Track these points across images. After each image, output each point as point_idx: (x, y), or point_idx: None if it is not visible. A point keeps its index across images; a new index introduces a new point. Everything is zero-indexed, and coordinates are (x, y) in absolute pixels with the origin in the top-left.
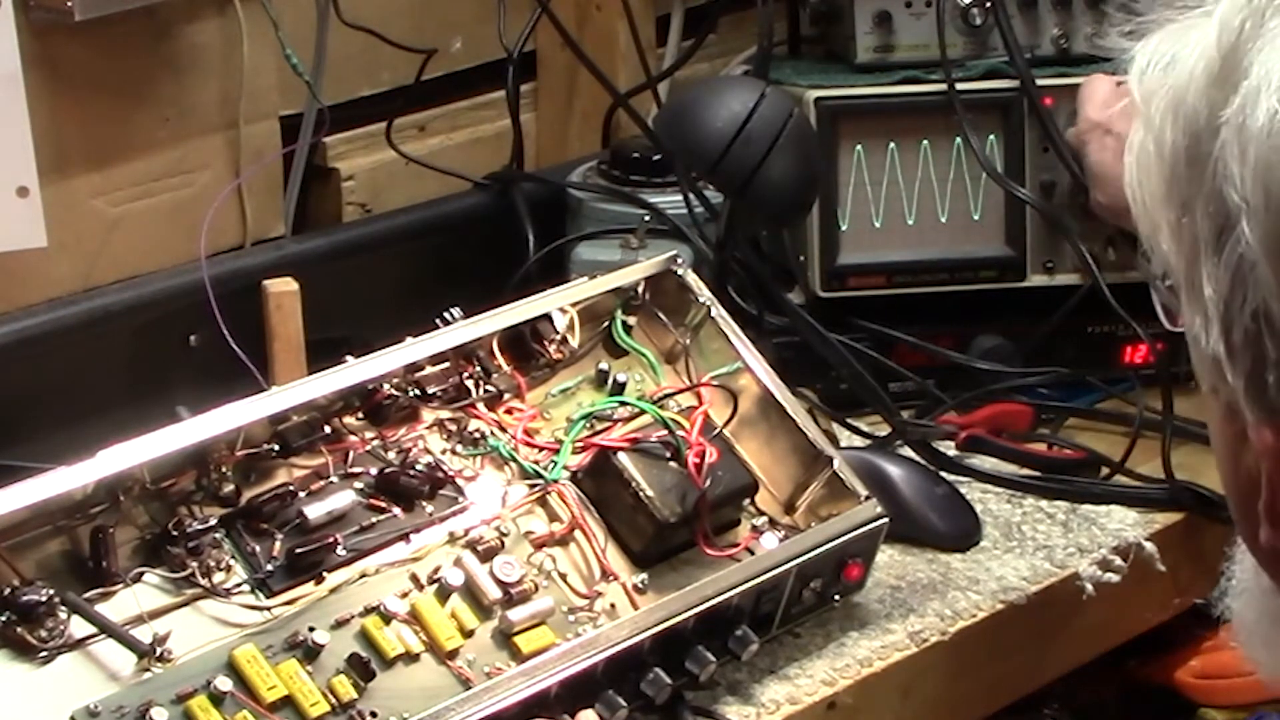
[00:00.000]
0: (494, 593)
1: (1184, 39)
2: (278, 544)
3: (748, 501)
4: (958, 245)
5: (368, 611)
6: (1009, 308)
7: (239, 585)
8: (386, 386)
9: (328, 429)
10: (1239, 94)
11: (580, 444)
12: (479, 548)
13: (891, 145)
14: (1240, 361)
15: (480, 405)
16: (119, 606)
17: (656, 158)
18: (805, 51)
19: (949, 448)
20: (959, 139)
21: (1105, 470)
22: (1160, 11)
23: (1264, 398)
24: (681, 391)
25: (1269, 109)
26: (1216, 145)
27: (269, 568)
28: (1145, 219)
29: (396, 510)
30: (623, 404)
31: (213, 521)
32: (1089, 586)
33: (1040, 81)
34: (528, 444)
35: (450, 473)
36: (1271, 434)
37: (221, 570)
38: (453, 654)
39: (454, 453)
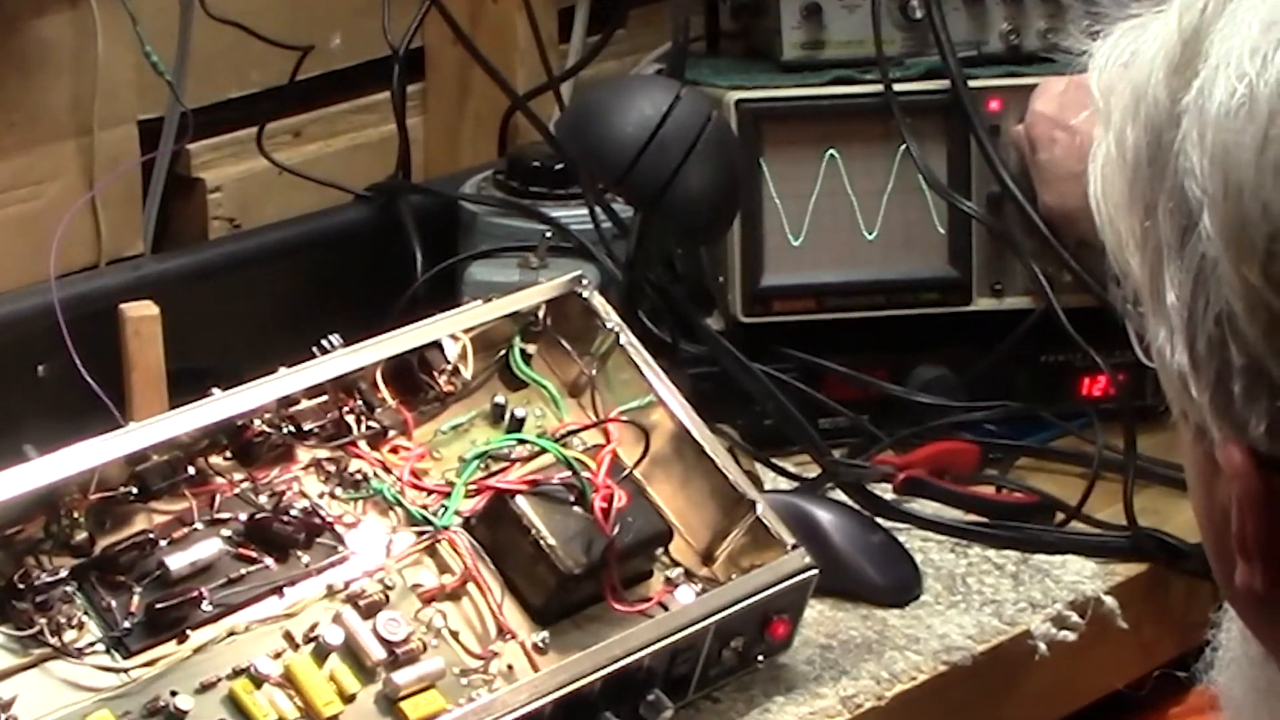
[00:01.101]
0: (378, 653)
1: (1145, 32)
2: (136, 598)
3: (661, 551)
4: (895, 265)
5: (236, 674)
6: (952, 335)
7: (92, 644)
8: (257, 423)
9: (191, 470)
10: (1199, 77)
11: (474, 486)
12: (361, 602)
13: (822, 153)
14: (1205, 373)
15: (362, 444)
16: None
17: (559, 167)
18: (725, 48)
19: (886, 491)
20: (897, 146)
21: (1060, 516)
22: (1124, 8)
23: (1230, 410)
24: (587, 428)
25: (1228, 88)
26: (1178, 136)
27: (126, 625)
28: (1111, 233)
29: (268, 561)
30: (521, 442)
31: (63, 573)
32: (1042, 645)
33: (987, 82)
34: (415, 486)
35: (328, 519)
36: (1239, 452)
37: (73, 628)
38: None
39: (333, 496)
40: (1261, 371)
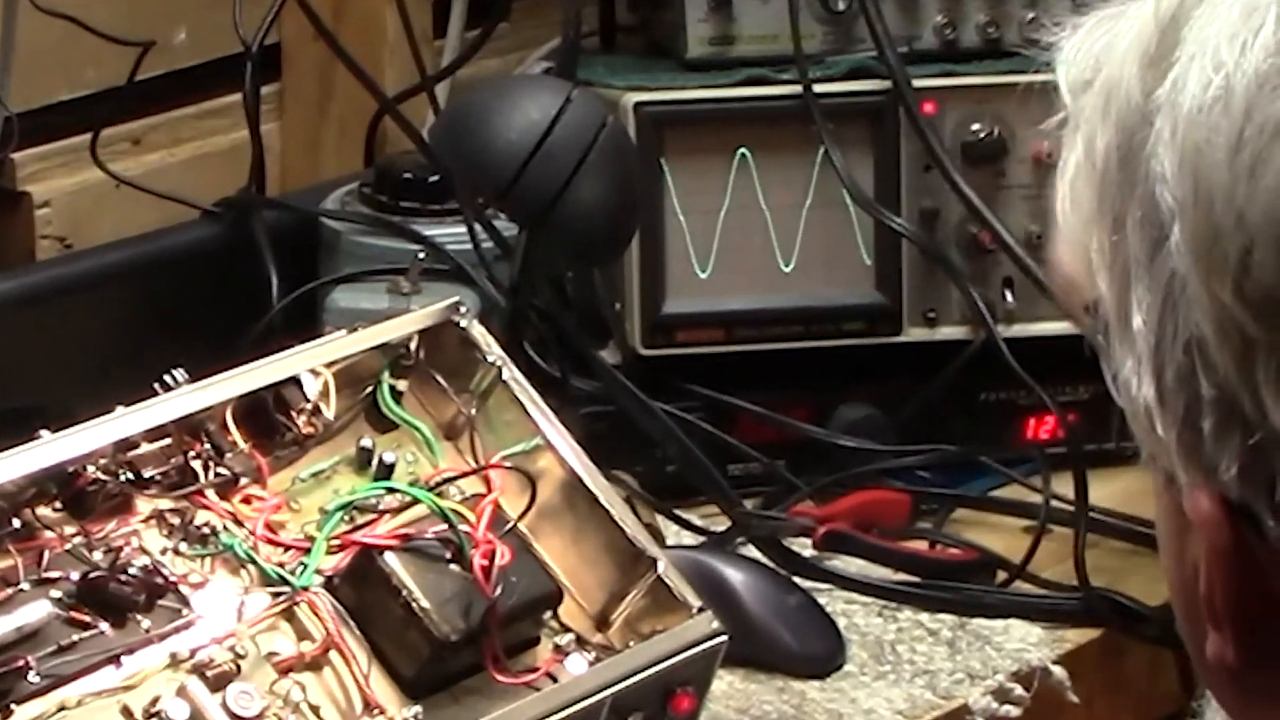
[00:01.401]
0: None
1: (1120, 22)
2: None
3: (549, 614)
4: (816, 290)
5: None
6: (880, 369)
7: None
8: (91, 469)
9: (17, 522)
10: (1174, 69)
11: (337, 542)
12: (209, 673)
13: (731, 162)
14: (1172, 407)
15: (210, 493)
16: None
17: (433, 179)
18: (622, 44)
19: (805, 546)
20: (818, 155)
21: (1002, 575)
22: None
23: (1198, 451)
24: (465, 475)
25: (1202, 79)
26: (1150, 136)
27: None
28: (1078, 253)
29: (104, 625)
30: (390, 491)
31: None
32: None
33: (920, 82)
34: (270, 542)
35: (172, 578)
36: (1208, 499)
37: None
38: None
39: (177, 553)
40: (1233, 405)
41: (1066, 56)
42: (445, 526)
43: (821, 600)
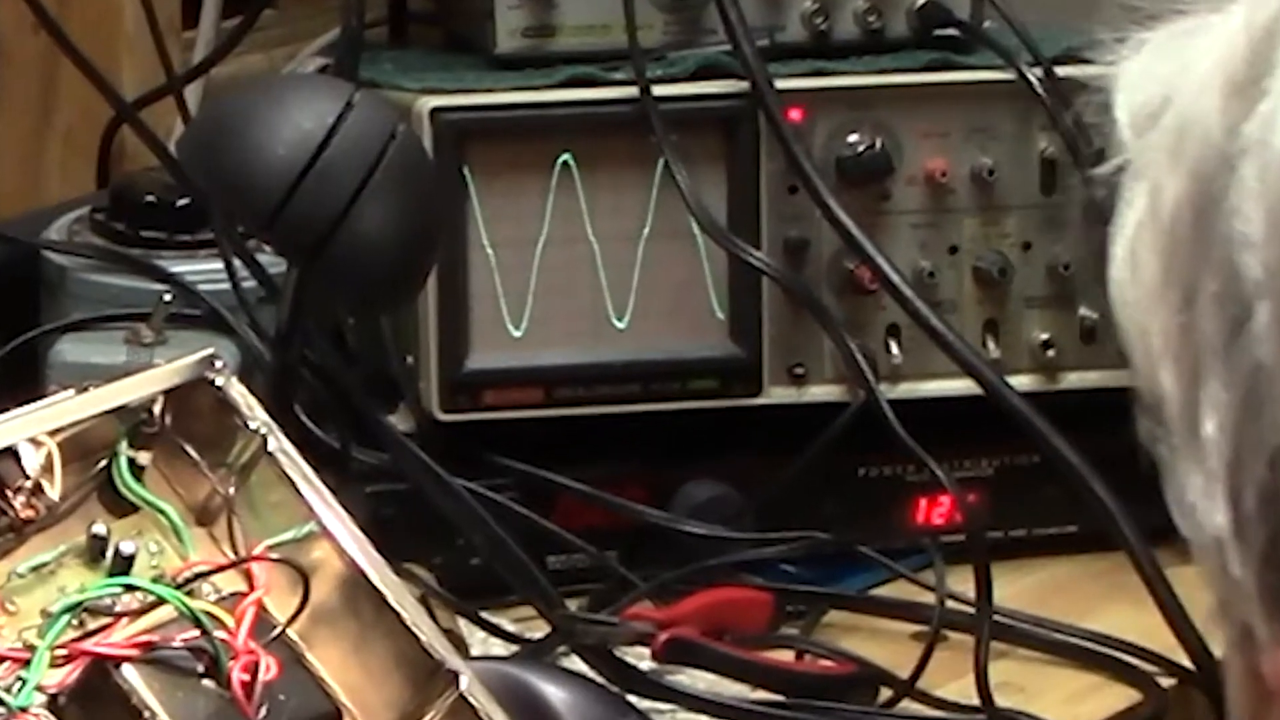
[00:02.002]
0: None
1: (1198, 39)
2: None
3: None
4: (656, 340)
5: None
6: (735, 438)
7: None
8: None
9: None
10: (1268, 98)
11: (64, 651)
12: None
13: (552, 182)
14: (1252, 540)
15: None
16: None
17: (182, 203)
18: (416, 36)
19: (642, 657)
20: (657, 173)
21: (886, 692)
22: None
23: None
24: (222, 569)
25: None
26: (1232, 186)
27: None
28: (1138, 334)
29: None
30: (130, 589)
31: None
32: None
33: (784, 83)
34: None
35: None
36: None
37: None
38: None
39: None
40: None
41: (1128, 81)
42: (197, 633)
43: None
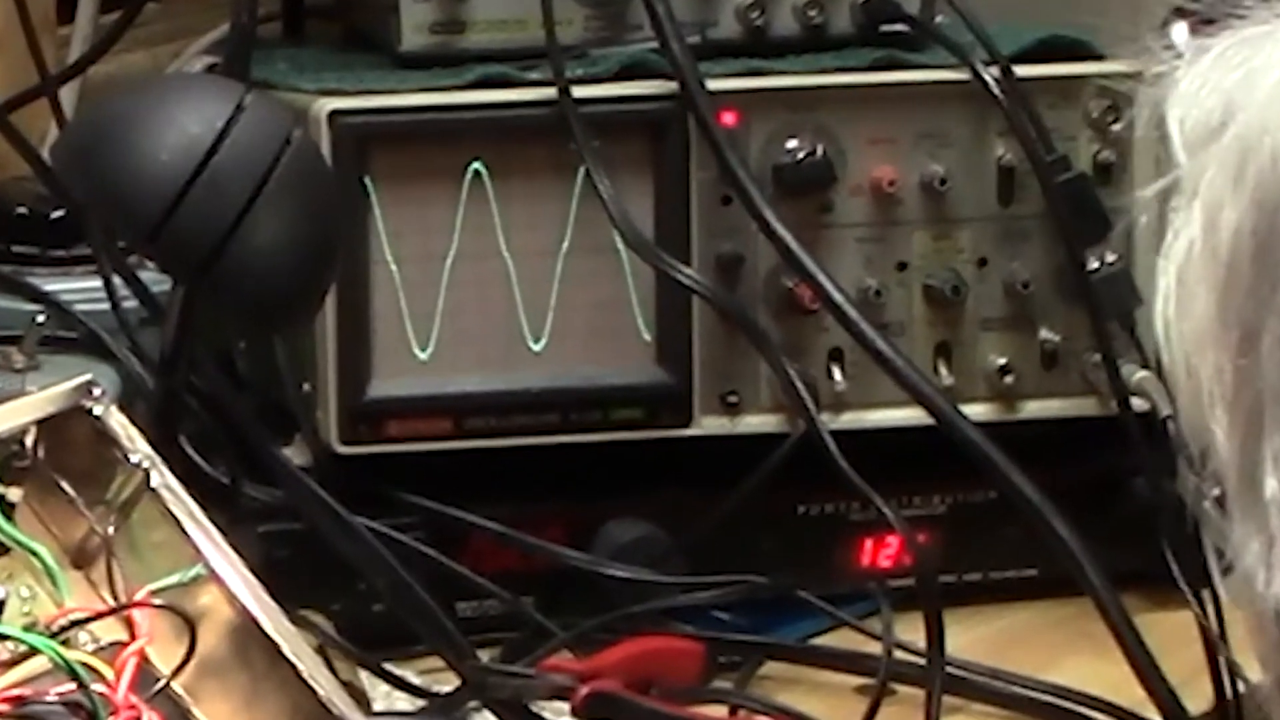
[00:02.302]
0: None
1: (1263, 49)
2: None
3: None
4: (577, 365)
5: None
6: (663, 472)
7: None
8: None
9: None
10: None
11: None
12: None
13: (462, 192)
14: None
15: None
16: None
17: (57, 215)
18: (314, 32)
19: (561, 713)
20: (577, 182)
21: None
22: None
23: None
24: (101, 616)
25: None
26: None
27: None
28: (1186, 379)
29: None
30: (0, 638)
31: None
32: None
33: (717, 84)
34: None
35: None
36: None
37: None
38: None
39: None
40: None
41: (1184, 93)
42: (73, 686)
43: None
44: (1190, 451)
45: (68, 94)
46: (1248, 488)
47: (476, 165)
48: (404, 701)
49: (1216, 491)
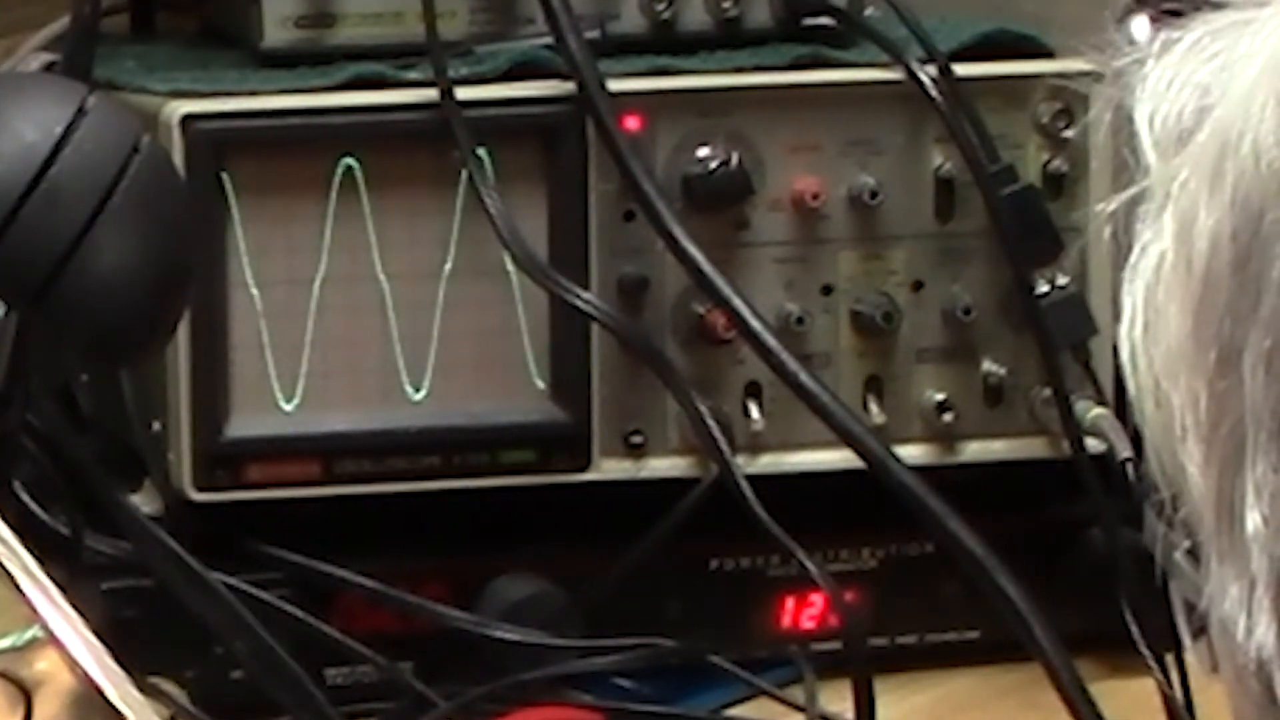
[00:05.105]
0: None
1: (1243, 38)
2: None
3: None
4: (460, 402)
5: None
6: (558, 523)
7: None
8: None
9: None
10: None
11: None
12: None
13: (329, 206)
14: None
15: None
16: None
17: None
18: (165, 27)
19: None
20: (460, 194)
21: None
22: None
23: None
24: None
25: None
26: None
27: None
28: (1154, 405)
29: None
30: None
31: None
32: None
33: (619, 84)
34: None
35: None
36: None
37: None
38: None
39: None
40: None
41: (1153, 89)
42: None
43: None
44: (1158, 496)
45: None
46: (1226, 526)
47: (348, 177)
48: None
49: (1188, 544)
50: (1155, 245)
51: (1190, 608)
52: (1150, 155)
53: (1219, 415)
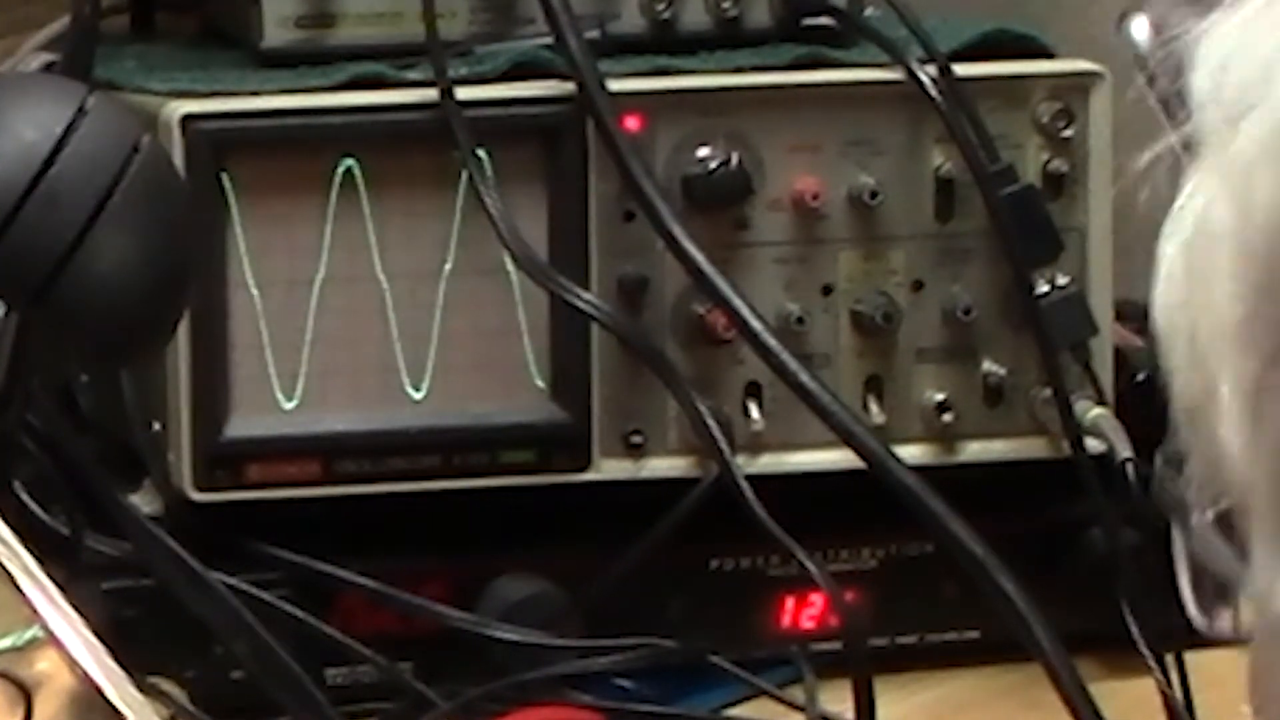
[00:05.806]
0: None
1: None
2: None
3: None
4: (460, 403)
5: None
6: (558, 523)
7: None
8: None
9: None
10: None
11: None
12: None
13: (329, 206)
14: None
15: None
16: None
17: None
18: (165, 27)
19: None
20: (460, 194)
21: None
22: None
23: None
24: None
25: None
26: None
27: None
28: (1195, 386)
29: None
30: None
31: None
32: None
33: (619, 84)
34: None
35: None
36: None
37: None
38: None
39: None
40: None
41: (1205, 57)
42: None
43: None
44: (1176, 453)
45: None
46: (1276, 516)
47: (348, 177)
48: None
49: (1211, 512)
50: (1197, 206)
51: (1199, 573)
52: (1207, 123)
53: (1270, 408)
